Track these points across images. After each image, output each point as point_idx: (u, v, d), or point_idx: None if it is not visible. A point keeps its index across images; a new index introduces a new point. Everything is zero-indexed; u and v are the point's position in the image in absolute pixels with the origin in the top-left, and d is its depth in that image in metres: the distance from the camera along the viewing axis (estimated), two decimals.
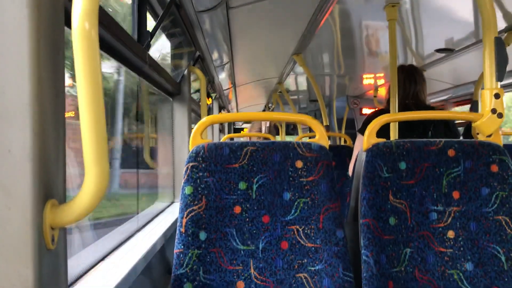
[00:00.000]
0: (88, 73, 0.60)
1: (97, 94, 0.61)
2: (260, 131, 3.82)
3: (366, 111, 5.84)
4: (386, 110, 2.33)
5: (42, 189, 0.62)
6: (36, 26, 0.60)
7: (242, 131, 8.75)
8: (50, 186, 0.65)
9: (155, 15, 1.87)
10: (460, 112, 1.58)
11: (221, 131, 6.63)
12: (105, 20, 1.14)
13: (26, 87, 0.59)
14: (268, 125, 3.84)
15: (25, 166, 0.60)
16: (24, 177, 0.60)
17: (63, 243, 0.71)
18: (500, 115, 1.41)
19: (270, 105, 6.89)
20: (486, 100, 1.41)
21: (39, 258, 0.62)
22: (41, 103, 0.62)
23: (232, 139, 6.36)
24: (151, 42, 1.61)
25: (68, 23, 0.64)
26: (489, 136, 1.48)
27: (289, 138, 10.13)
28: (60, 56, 0.68)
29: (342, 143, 5.36)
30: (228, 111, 7.02)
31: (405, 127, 2.21)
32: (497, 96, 1.40)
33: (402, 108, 2.28)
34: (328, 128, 3.86)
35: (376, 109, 2.98)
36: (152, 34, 1.61)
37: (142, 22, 1.59)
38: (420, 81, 2.35)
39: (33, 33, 0.59)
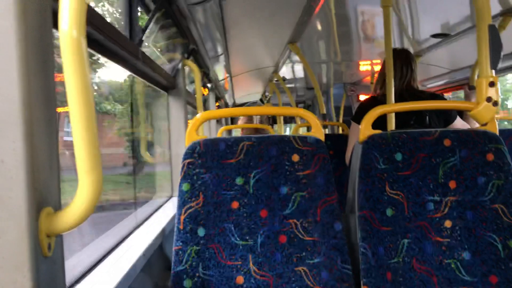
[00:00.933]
0: (78, 79, 0.60)
1: (87, 102, 0.61)
2: (251, 120, 3.79)
3: (364, 97, 5.82)
4: (377, 97, 2.31)
5: (36, 197, 0.62)
6: (23, 31, 0.59)
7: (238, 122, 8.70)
8: (45, 194, 0.65)
9: (147, 10, 1.85)
10: (456, 101, 1.56)
11: (218, 121, 6.62)
12: (95, 20, 1.13)
13: (15, 96, 0.59)
14: (258, 116, 3.81)
15: (18, 175, 0.60)
16: (18, 186, 0.60)
17: (60, 250, 0.71)
18: (496, 104, 1.40)
19: (266, 94, 6.86)
20: (481, 89, 1.41)
21: (36, 266, 0.62)
22: (32, 111, 0.61)
23: (230, 130, 6.34)
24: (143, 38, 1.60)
25: (56, 26, 0.63)
26: (485, 124, 1.48)
27: (287, 127, 10.12)
28: (50, 62, 0.67)
29: (340, 131, 5.36)
30: (225, 102, 7.00)
31: (402, 114, 2.19)
32: (492, 84, 1.39)
33: (398, 94, 2.25)
34: (325, 116, 3.85)
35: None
36: (144, 30, 1.60)
37: (133, 18, 1.57)
38: (414, 67, 2.33)
39: (20, 39, 0.58)
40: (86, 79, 0.60)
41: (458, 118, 2.22)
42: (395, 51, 2.34)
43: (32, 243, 0.61)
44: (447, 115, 2.22)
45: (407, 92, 2.24)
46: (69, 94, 0.60)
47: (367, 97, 5.55)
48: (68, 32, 0.58)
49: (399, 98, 2.18)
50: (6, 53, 0.58)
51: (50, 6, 0.67)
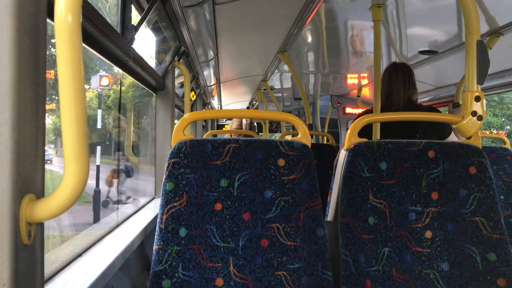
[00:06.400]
0: (70, 67, 0.59)
1: (79, 89, 0.60)
2: (241, 126, 3.81)
3: (350, 110, 5.89)
4: (372, 110, 2.34)
5: (19, 183, 0.61)
6: (16, 15, 0.58)
7: (224, 128, 8.72)
8: (28, 181, 0.64)
9: (140, 9, 1.84)
10: (442, 114, 1.59)
11: (204, 127, 6.60)
12: (88, 12, 1.12)
13: (4, 78, 0.58)
14: (248, 121, 3.83)
15: (3, 159, 0.59)
16: (2, 170, 0.59)
17: (40, 239, 0.69)
18: (480, 118, 1.43)
19: (254, 102, 6.89)
20: (467, 103, 1.43)
21: (15, 254, 0.60)
22: (21, 95, 0.60)
23: (215, 135, 6.34)
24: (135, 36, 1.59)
25: (51, 14, 0.63)
26: (469, 138, 1.50)
27: (272, 136, 10.15)
28: (42, 48, 0.67)
29: (325, 141, 5.40)
30: (212, 108, 7.00)
31: (393, 129, 2.22)
32: (477, 98, 1.42)
33: (395, 107, 2.28)
34: (311, 126, 3.88)
35: (365, 109, 2.95)
36: (136, 28, 1.59)
37: (126, 15, 1.57)
38: (414, 81, 2.37)
39: (13, 23, 0.58)
40: (79, 65, 0.60)
41: (453, 134, 2.26)
42: (396, 64, 2.39)
43: (13, 230, 0.60)
44: (442, 130, 2.25)
45: (406, 105, 2.27)
46: (61, 80, 0.60)
47: (356, 109, 5.59)
48: (63, 16, 0.58)
49: (397, 111, 2.22)
50: None
51: None
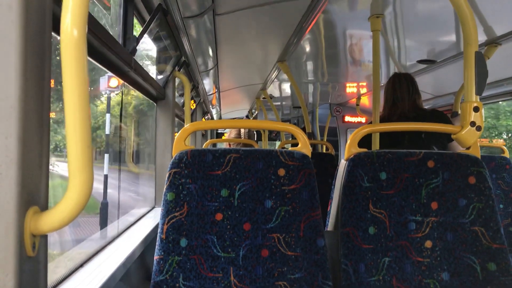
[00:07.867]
0: (75, 80, 0.60)
1: (83, 101, 0.61)
2: (239, 135, 3.82)
3: (349, 119, 5.91)
4: (383, 118, 2.39)
5: (24, 196, 0.62)
6: (23, 30, 0.59)
7: (223, 136, 8.75)
8: (33, 193, 0.64)
9: (142, 20, 1.86)
10: (441, 124, 1.60)
11: (204, 136, 6.61)
12: (90, 24, 1.13)
13: (12, 93, 0.59)
14: (247, 130, 3.84)
15: (8, 172, 0.59)
16: (8, 183, 0.59)
17: (43, 250, 0.70)
18: (479, 128, 1.44)
19: (253, 111, 6.91)
20: (465, 113, 1.44)
21: (19, 266, 0.61)
22: (26, 108, 0.61)
23: (214, 144, 6.35)
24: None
25: (56, 29, 0.64)
26: (468, 148, 1.51)
27: (271, 144, 10.16)
28: (47, 62, 0.68)
29: (324, 150, 5.41)
30: (212, 116, 7.02)
31: (396, 132, 2.27)
32: (476, 109, 1.43)
33: (399, 112, 2.34)
34: (310, 135, 3.89)
35: (365, 117, 2.96)
36: (138, 40, 1.61)
37: (128, 27, 1.58)
38: (417, 86, 2.44)
39: (19, 38, 0.59)
40: (84, 78, 0.61)
41: None
42: (398, 74, 2.47)
43: (17, 242, 0.61)
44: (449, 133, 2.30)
45: (411, 110, 2.33)
46: (66, 93, 0.61)
47: (354, 118, 5.61)
48: (69, 31, 0.59)
49: (400, 117, 2.28)
50: (6, 51, 0.59)
51: (50, 9, 0.68)
